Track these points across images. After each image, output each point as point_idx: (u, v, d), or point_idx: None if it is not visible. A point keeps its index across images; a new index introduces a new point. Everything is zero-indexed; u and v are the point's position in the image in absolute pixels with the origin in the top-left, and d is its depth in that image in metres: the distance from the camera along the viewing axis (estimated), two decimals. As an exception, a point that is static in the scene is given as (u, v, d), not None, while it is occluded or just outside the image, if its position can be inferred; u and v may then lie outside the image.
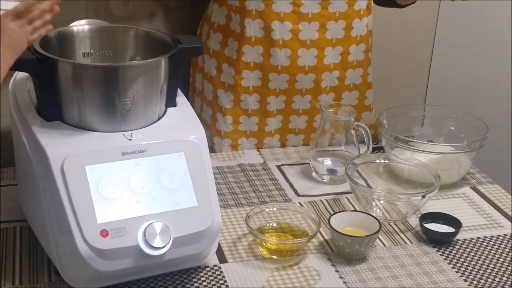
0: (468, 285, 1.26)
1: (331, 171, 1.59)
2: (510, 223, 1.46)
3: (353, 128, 1.56)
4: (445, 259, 1.33)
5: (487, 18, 2.35)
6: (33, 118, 1.22)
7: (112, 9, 1.76)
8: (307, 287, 1.24)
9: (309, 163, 1.62)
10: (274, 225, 1.38)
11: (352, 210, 1.47)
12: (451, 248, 1.37)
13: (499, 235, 1.42)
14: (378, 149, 1.72)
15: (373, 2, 1.72)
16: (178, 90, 1.32)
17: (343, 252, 1.32)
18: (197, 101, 1.80)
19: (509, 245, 1.39)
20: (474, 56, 2.39)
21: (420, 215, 1.42)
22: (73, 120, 1.21)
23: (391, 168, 1.58)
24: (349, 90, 1.73)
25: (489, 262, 1.33)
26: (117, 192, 1.15)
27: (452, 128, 1.72)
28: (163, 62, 1.23)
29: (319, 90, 1.69)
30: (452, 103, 1.90)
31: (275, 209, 1.40)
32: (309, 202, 1.51)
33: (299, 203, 1.50)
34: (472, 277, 1.28)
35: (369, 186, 1.53)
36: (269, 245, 1.31)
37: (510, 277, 1.29)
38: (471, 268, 1.31)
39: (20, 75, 1.34)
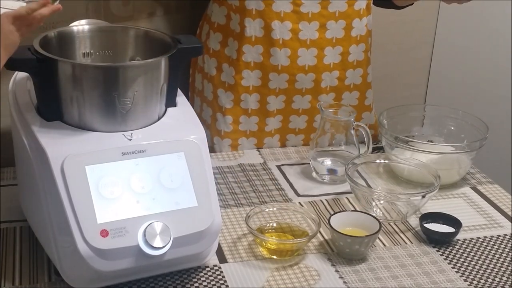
0: (468, 285, 1.26)
1: (331, 171, 1.59)
2: (510, 223, 1.46)
3: (353, 128, 1.56)
4: (445, 259, 1.33)
5: (487, 18, 2.35)
6: (33, 118, 1.22)
7: (112, 9, 1.76)
8: (307, 287, 1.24)
9: (309, 163, 1.62)
10: (274, 225, 1.38)
11: (352, 210, 1.47)
12: (451, 248, 1.37)
13: (499, 235, 1.42)
14: (378, 149, 1.72)
15: (372, 3, 1.72)
16: (178, 90, 1.32)
17: (343, 252, 1.32)
18: (197, 101, 1.80)
19: (509, 245, 1.39)
20: (474, 56, 2.39)
21: (420, 215, 1.42)
22: (73, 120, 1.21)
23: (391, 168, 1.58)
24: (349, 90, 1.73)
25: (489, 262, 1.33)
26: (117, 192, 1.15)
27: (452, 128, 1.72)
28: (163, 62, 1.23)
29: (319, 90, 1.69)
30: (452, 103, 1.90)
31: (275, 209, 1.40)
32: (309, 202, 1.51)
33: (299, 203, 1.50)
34: (472, 277, 1.28)
35: (369, 186, 1.53)
36: (269, 245, 1.31)
37: (510, 277, 1.29)
38: (471, 268, 1.31)
39: (20, 75, 1.34)
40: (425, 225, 1.39)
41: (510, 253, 1.36)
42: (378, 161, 1.57)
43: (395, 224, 1.44)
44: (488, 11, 2.33)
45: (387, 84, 2.21)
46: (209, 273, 1.26)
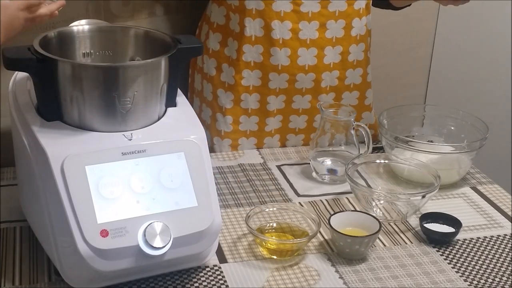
0: (468, 285, 1.26)
1: (331, 171, 1.59)
2: (510, 223, 1.46)
3: (353, 128, 1.56)
4: (445, 259, 1.33)
5: (487, 18, 2.35)
6: (33, 118, 1.22)
7: (112, 9, 1.76)
8: (307, 287, 1.24)
9: (309, 163, 1.62)
10: (274, 225, 1.38)
11: (352, 210, 1.47)
12: (451, 248, 1.37)
13: (499, 235, 1.42)
14: (378, 149, 1.72)
15: (371, 4, 1.72)
16: (178, 90, 1.32)
17: (343, 252, 1.32)
18: (196, 102, 1.80)
19: (509, 245, 1.39)
20: (474, 56, 2.39)
21: (420, 215, 1.42)
22: (73, 120, 1.21)
23: (391, 168, 1.58)
24: (349, 90, 1.73)
25: (489, 262, 1.33)
26: (117, 192, 1.15)
27: (452, 128, 1.72)
28: (163, 62, 1.23)
29: (319, 89, 1.69)
30: (452, 103, 1.90)
31: (275, 209, 1.40)
32: (309, 202, 1.51)
33: (299, 203, 1.50)
34: (472, 277, 1.28)
35: (369, 186, 1.53)
36: (269, 245, 1.31)
37: (510, 277, 1.29)
38: (471, 268, 1.31)
39: (20, 75, 1.34)
40: (425, 225, 1.39)
41: (510, 253, 1.36)
42: (378, 161, 1.57)
43: (395, 224, 1.44)
44: (488, 11, 2.33)
45: (387, 84, 2.21)
46: (209, 273, 1.26)
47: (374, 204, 1.44)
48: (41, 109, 1.23)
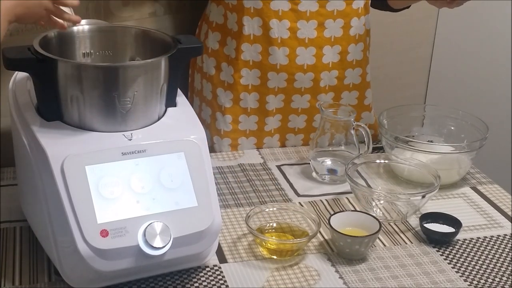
0: (468, 285, 1.26)
1: (331, 171, 1.59)
2: (510, 223, 1.46)
3: (353, 128, 1.56)
4: (445, 259, 1.33)
5: (487, 18, 2.35)
6: (33, 118, 1.22)
7: (112, 9, 1.76)
8: (307, 287, 1.24)
9: (309, 163, 1.62)
10: (274, 225, 1.38)
11: (352, 210, 1.46)
12: (451, 248, 1.37)
13: (499, 235, 1.42)
14: (378, 149, 1.72)
15: (370, 5, 1.72)
16: (178, 90, 1.32)
17: (343, 252, 1.32)
18: (196, 101, 1.80)
19: (509, 245, 1.39)
20: (474, 56, 2.39)
21: (420, 215, 1.42)
22: (73, 120, 1.21)
23: (391, 168, 1.58)
24: (349, 90, 1.73)
25: (489, 262, 1.33)
26: (117, 192, 1.15)
27: (452, 128, 1.72)
28: (163, 62, 1.23)
29: (318, 89, 1.69)
30: (452, 103, 1.90)
31: (275, 209, 1.40)
32: (309, 202, 1.51)
33: (299, 203, 1.50)
34: (472, 277, 1.28)
35: (369, 186, 1.53)
36: (269, 245, 1.31)
37: (510, 277, 1.29)
38: (471, 268, 1.31)
39: (20, 75, 1.34)
40: (425, 225, 1.39)
41: (510, 253, 1.36)
42: (378, 161, 1.57)
43: (395, 224, 1.44)
44: (488, 11, 2.33)
45: (387, 84, 2.21)
46: (209, 273, 1.26)
47: (374, 204, 1.44)
48: (41, 109, 1.23)
